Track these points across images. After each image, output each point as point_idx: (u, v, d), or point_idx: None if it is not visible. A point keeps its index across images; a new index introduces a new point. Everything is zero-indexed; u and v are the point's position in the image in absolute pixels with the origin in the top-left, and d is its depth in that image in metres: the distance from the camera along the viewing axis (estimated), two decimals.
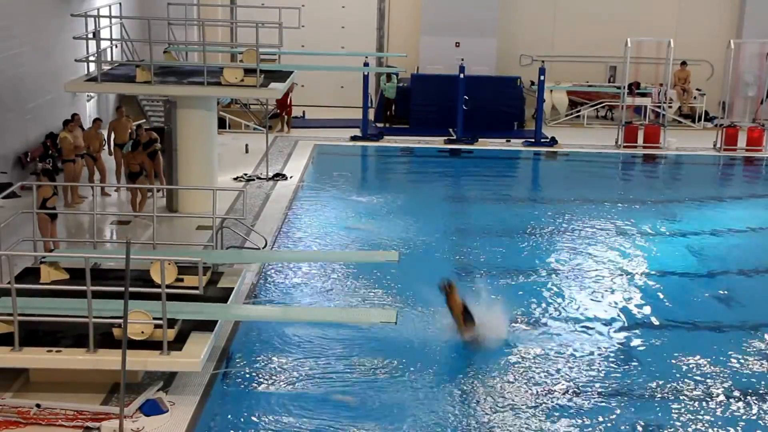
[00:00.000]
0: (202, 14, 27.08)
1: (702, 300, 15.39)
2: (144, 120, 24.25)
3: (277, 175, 21.72)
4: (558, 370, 12.65)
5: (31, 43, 20.26)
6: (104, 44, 19.45)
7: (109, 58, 20.09)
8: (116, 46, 21.72)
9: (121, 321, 10.52)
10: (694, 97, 28.36)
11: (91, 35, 18.35)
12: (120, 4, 22.98)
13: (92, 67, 18.51)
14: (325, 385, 12.03)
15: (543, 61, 26.83)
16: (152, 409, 10.96)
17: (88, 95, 23.51)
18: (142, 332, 11.04)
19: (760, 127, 25.99)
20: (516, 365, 12.75)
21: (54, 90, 20.62)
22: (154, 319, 11.06)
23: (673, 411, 11.67)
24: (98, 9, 19.68)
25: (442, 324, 13.77)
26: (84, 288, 10.79)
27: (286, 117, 26.45)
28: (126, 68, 19.28)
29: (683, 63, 28.26)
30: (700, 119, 28.15)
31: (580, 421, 11.38)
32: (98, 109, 24.96)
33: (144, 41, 19.80)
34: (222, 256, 14.19)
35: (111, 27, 21.21)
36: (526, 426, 11.27)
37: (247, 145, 23.76)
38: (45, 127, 20.72)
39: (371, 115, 27.13)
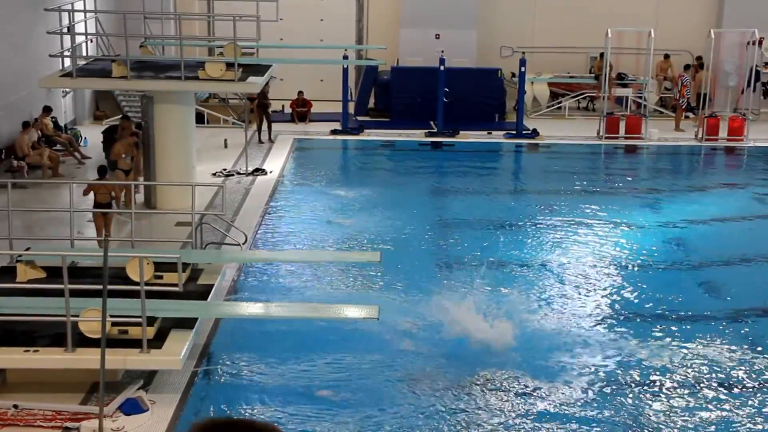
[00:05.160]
0: (179, 7, 26.85)
1: (686, 290, 15.34)
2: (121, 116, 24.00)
3: (256, 170, 21.52)
4: (543, 363, 12.54)
5: (3, 38, 19.99)
6: (79, 39, 19.21)
7: (84, 53, 19.85)
8: (91, 41, 21.49)
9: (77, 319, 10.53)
10: (668, 89, 28.45)
11: (65, 30, 18.12)
12: None
13: (67, 62, 18.29)
14: (307, 382, 11.91)
15: (524, 53, 26.73)
16: (132, 408, 10.85)
17: (63, 91, 23.27)
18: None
19: (741, 116, 26.00)
20: (499, 358, 12.60)
21: (28, 86, 20.36)
22: (133, 317, 10.91)
23: (659, 402, 11.60)
24: (72, 3, 19.41)
25: (424, 318, 13.66)
26: (61, 286, 10.66)
27: (306, 114, 26.52)
28: (102, 63, 19.05)
29: (666, 56, 28.29)
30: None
31: (567, 413, 11.28)
32: (74, 104, 24.71)
33: (120, 35, 19.58)
34: (201, 254, 14.01)
35: (86, 21, 20.95)
36: (513, 419, 11.18)
37: (226, 140, 23.54)
38: (19, 123, 20.46)
39: (351, 109, 26.95)
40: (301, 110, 26.73)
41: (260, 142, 24.23)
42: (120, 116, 22.78)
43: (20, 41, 20.77)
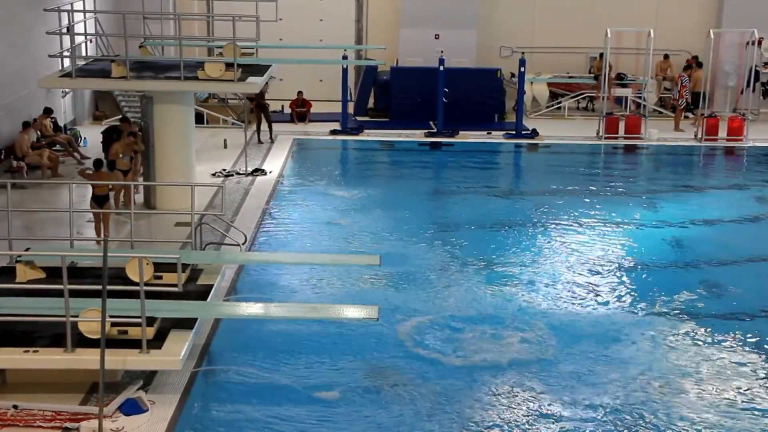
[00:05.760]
0: (178, 8, 26.82)
1: (686, 290, 15.20)
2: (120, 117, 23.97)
3: (256, 170, 21.48)
4: (545, 366, 12.45)
5: (3, 38, 19.94)
6: (79, 39, 19.17)
7: (83, 54, 19.81)
8: (91, 41, 21.45)
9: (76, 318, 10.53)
10: (667, 89, 28.46)
11: (64, 30, 18.08)
12: None
13: (67, 62, 18.24)
14: (307, 382, 11.84)
15: (523, 53, 26.71)
16: (132, 408, 10.79)
17: (62, 91, 23.23)
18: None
19: (740, 116, 25.99)
20: (499, 362, 12.50)
21: (28, 86, 20.32)
22: (132, 318, 10.88)
23: (664, 405, 11.53)
24: (72, 3, 19.37)
25: (424, 320, 13.63)
26: (61, 287, 10.62)
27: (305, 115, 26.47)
28: (101, 63, 19.00)
29: (666, 56, 28.31)
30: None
31: (569, 418, 11.23)
32: (74, 104, 24.68)
33: (119, 36, 19.54)
34: (200, 255, 13.98)
35: (85, 21, 20.89)
36: (520, 421, 11.13)
37: (225, 141, 23.50)
38: (19, 124, 20.43)
39: (351, 109, 26.92)
40: (300, 110, 26.71)
41: (260, 142, 24.23)
42: (119, 116, 22.78)
43: (20, 41, 20.73)
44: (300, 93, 26.61)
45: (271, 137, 24.63)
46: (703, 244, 17.79)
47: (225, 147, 23.28)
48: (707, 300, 14.95)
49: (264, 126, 24.50)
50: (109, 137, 19.34)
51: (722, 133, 25.60)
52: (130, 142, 17.90)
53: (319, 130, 25.88)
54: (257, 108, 24.32)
